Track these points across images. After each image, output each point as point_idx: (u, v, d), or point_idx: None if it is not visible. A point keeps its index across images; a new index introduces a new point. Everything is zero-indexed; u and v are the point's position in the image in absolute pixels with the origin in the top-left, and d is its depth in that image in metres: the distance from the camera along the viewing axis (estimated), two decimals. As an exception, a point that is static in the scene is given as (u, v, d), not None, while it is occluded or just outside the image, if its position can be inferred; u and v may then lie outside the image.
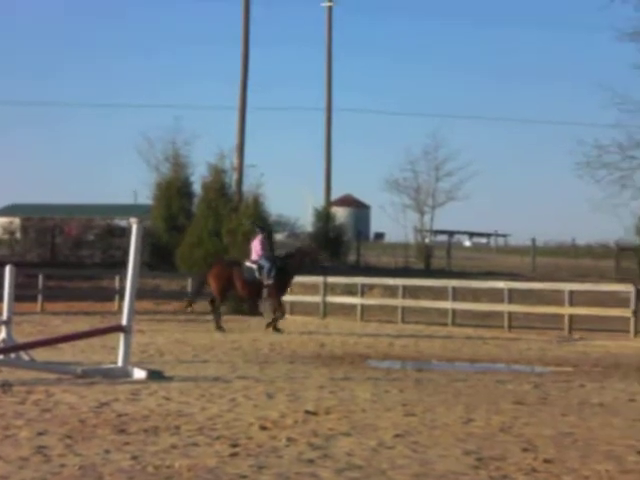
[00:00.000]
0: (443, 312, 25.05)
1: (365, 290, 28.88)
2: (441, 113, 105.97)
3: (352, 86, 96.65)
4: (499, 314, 23.59)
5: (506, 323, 23.00)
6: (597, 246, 51.84)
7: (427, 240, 50.27)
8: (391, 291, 28.58)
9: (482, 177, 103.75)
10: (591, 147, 40.37)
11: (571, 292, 22.10)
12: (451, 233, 62.30)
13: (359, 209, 68.48)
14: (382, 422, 8.48)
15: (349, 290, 29.38)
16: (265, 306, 23.36)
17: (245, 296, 22.12)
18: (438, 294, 26.73)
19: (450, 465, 6.69)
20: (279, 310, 21.16)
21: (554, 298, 23.73)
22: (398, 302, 26.31)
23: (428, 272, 38.49)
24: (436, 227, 54.66)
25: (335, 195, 53.37)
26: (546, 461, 6.88)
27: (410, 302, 26.43)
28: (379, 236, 68.55)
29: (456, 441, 7.61)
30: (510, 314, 23.25)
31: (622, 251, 39.34)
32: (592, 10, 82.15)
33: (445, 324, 24.18)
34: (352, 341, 18.53)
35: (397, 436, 7.77)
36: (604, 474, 6.50)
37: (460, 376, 12.64)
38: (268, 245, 21.80)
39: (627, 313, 20.89)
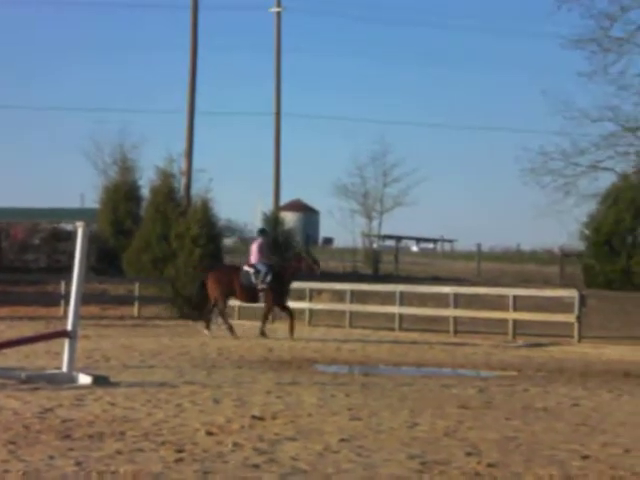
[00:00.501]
0: (390, 317, 25.21)
1: (313, 295, 28.96)
2: (389, 119, 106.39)
3: (302, 91, 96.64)
4: (445, 319, 23.82)
5: (452, 328, 23.23)
6: (542, 252, 52.50)
7: (375, 245, 50.51)
8: (339, 296, 28.69)
9: (429, 183, 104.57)
10: (536, 154, 40.99)
11: (515, 297, 22.40)
12: (399, 238, 62.60)
13: (308, 214, 68.50)
14: (328, 426, 8.51)
15: (297, 295, 29.40)
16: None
17: (242, 300, 21.98)
18: (386, 299, 26.88)
19: (394, 469, 6.74)
20: (270, 315, 21.25)
21: (499, 303, 23.99)
22: (346, 307, 26.44)
23: (376, 277, 38.65)
24: (384, 232, 54.95)
25: (284, 200, 53.37)
26: (490, 465, 6.93)
27: (358, 307, 26.57)
28: (328, 241, 68.61)
29: (401, 445, 7.67)
30: (456, 319, 23.50)
31: (566, 257, 39.84)
32: (538, 17, 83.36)
33: (392, 329, 24.35)
34: (300, 346, 18.56)
35: (343, 440, 7.81)
36: (547, 479, 6.55)
37: (406, 380, 12.73)
38: (267, 250, 21.71)
39: (571, 319, 21.20)
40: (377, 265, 42.49)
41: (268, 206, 46.26)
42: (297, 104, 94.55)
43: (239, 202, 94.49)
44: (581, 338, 20.70)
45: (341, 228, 55.35)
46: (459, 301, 24.41)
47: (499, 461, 7.10)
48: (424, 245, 76.43)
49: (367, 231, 50.50)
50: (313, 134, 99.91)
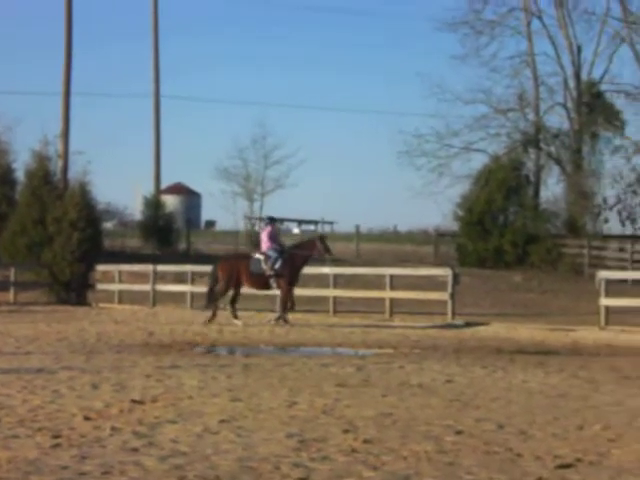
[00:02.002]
0: (272, 298, 25.29)
1: (195, 278, 28.83)
2: (268, 102, 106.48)
3: (180, 73, 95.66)
4: (325, 299, 24.08)
5: (331, 308, 23.53)
6: (417, 232, 53.53)
7: (257, 227, 50.57)
8: (221, 278, 28.60)
9: (309, 165, 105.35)
10: (411, 136, 41.82)
11: (392, 277, 22.84)
12: (280, 220, 62.83)
13: (190, 197, 67.95)
14: (208, 408, 8.56)
15: (179, 278, 29.23)
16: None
17: (253, 288, 21.29)
18: (267, 281, 26.91)
19: (273, 448, 6.84)
20: (289, 301, 20.64)
21: (377, 283, 24.41)
22: (228, 289, 26.39)
23: (258, 259, 38.70)
24: (266, 214, 55.01)
25: (165, 183, 52.88)
26: (366, 442, 7.09)
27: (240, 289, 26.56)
28: (210, 224, 68.24)
29: (280, 424, 7.78)
30: (335, 299, 23.81)
31: (440, 237, 40.67)
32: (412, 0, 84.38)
33: (274, 310, 24.44)
34: (181, 329, 18.50)
35: (222, 421, 7.88)
36: (422, 454, 6.72)
37: (286, 360, 12.86)
38: (277, 237, 21.27)
39: (444, 296, 21.74)
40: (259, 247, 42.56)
41: (149, 189, 45.85)
42: (177, 86, 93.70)
43: (119, 185, 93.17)
44: (454, 315, 21.25)
45: (223, 211, 55.20)
46: (339, 281, 24.73)
47: (375, 437, 7.28)
48: (305, 227, 76.91)
49: (249, 213, 50.58)
50: (194, 117, 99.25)
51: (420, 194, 41.76)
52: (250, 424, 7.79)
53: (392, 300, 22.53)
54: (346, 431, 7.51)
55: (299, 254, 20.76)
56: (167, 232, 41.97)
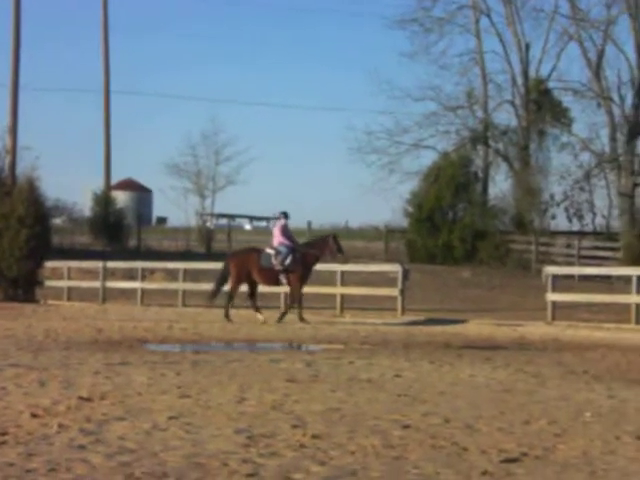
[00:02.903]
0: (223, 294, 25.28)
1: (146, 274, 28.71)
2: (220, 98, 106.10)
3: (131, 69, 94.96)
4: (276, 295, 24.10)
5: (283, 304, 23.55)
6: (368, 228, 53.76)
7: (208, 224, 50.45)
8: (172, 275, 28.52)
9: (261, 162, 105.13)
10: (362, 133, 42.01)
11: (343, 273, 22.95)
12: (232, 217, 62.75)
13: (141, 193, 67.53)
14: (157, 405, 8.54)
15: (129, 275, 29.09)
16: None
17: (263, 283, 20.96)
18: (218, 277, 26.84)
19: (221, 444, 6.86)
20: (298, 299, 20.38)
21: (328, 278, 24.49)
22: (179, 286, 26.35)
23: (209, 255, 38.64)
24: (217, 211, 54.92)
25: (115, 179, 52.56)
26: (314, 437, 7.12)
27: (191, 285, 26.53)
28: (161, 220, 67.88)
29: (229, 420, 7.79)
30: (286, 295, 23.81)
31: (390, 233, 40.89)
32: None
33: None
34: (131, 326, 18.39)
35: (171, 418, 7.86)
36: (370, 449, 6.76)
37: (237, 357, 12.86)
38: (289, 232, 20.95)
39: (394, 292, 21.89)
40: (210, 244, 42.46)
41: (99, 185, 45.48)
42: (128, 82, 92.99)
43: (68, 181, 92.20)
44: (404, 311, 21.40)
45: (174, 207, 54.97)
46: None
47: (323, 432, 7.32)
48: (257, 223, 76.89)
49: (200, 210, 50.44)
50: (145, 113, 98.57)
51: (371, 190, 42.05)
52: (199, 420, 7.79)
53: (343, 296, 22.62)
54: (295, 426, 7.54)
55: (311, 252, 20.50)
56: (117, 228, 41.71)
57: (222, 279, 21.04)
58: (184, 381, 10.18)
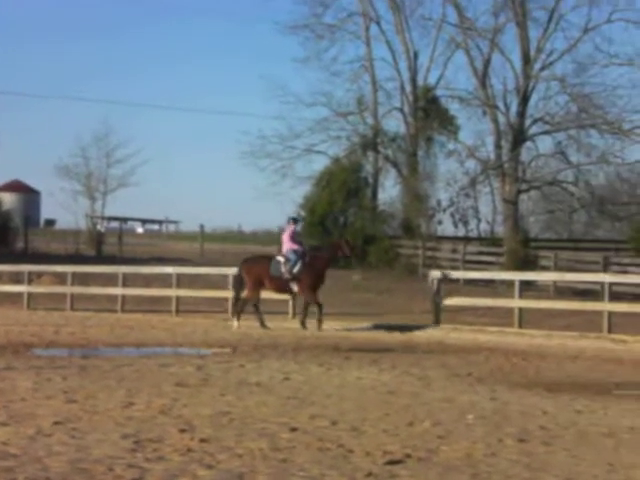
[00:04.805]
0: (113, 298, 25.03)
1: (33, 278, 28.15)
2: (112, 100, 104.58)
3: (18, 69, 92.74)
4: (168, 299, 23.98)
5: (174, 307, 23.48)
6: (262, 232, 53.82)
7: (99, 227, 49.71)
8: (60, 278, 28.02)
9: (154, 164, 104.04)
10: (255, 137, 42.03)
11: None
12: (123, 220, 61.94)
13: (28, 195, 66.13)
14: (42, 410, 8.43)
15: (16, 278, 28.46)
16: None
17: (274, 291, 20.43)
18: (108, 280, 26.58)
19: (107, 449, 6.81)
20: (311, 305, 19.79)
21: (220, 282, 24.49)
22: (67, 289, 25.95)
23: (99, 259, 38.09)
24: (109, 214, 54.27)
25: (2, 180, 51.33)
26: (202, 440, 7.14)
27: (80, 289, 26.18)
28: (50, 222, 66.54)
29: (115, 425, 7.75)
30: (178, 298, 23.76)
31: (283, 236, 41.00)
32: (254, 2, 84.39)
33: (115, 310, 24.20)
34: (17, 330, 18.02)
35: (56, 423, 7.77)
36: (257, 452, 6.81)
37: (126, 361, 12.75)
38: (298, 237, 20.53)
39: (286, 296, 21.97)
40: (100, 247, 41.85)
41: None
42: (14, 82, 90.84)
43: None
44: (295, 315, 21.54)
45: (64, 209, 53.95)
46: (182, 281, 24.69)
47: (212, 436, 7.35)
48: (149, 226, 76.09)
49: (91, 212, 49.66)
50: (32, 114, 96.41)
51: (264, 195, 42.03)
52: (85, 426, 7.72)
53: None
54: (183, 430, 7.55)
55: (321, 256, 20.25)
56: (4, 231, 40.73)
57: (239, 285, 20.70)
58: (71, 386, 10.06)
